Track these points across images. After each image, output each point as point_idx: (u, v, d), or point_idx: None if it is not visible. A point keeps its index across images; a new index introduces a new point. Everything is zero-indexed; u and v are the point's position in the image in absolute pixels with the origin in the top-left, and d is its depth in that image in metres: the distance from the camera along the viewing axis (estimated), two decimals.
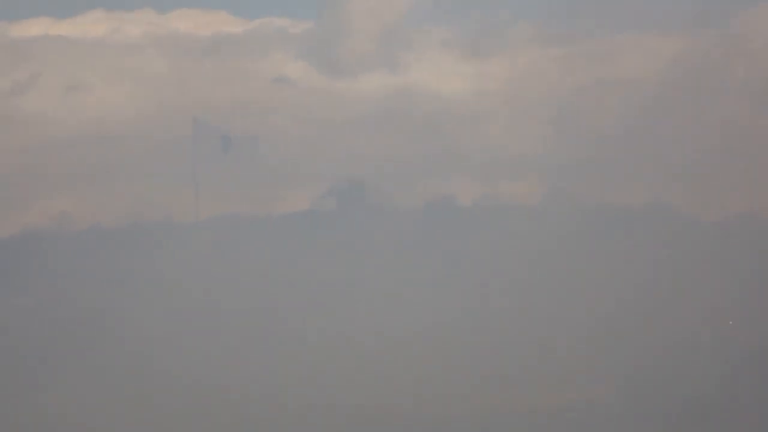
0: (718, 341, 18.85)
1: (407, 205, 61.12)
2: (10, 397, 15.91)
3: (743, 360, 17.79)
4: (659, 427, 15.55)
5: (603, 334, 17.76)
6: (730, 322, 19.21)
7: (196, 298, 21.57)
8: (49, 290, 20.74)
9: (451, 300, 23.37)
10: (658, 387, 16.69)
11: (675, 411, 16.30)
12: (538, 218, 48.07)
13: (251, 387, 15.35)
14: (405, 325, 17.18)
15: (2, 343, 20.29)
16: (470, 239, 48.34)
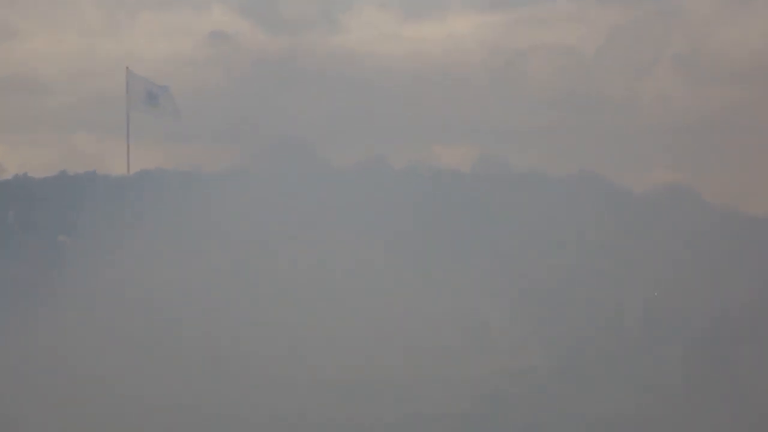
0: (647, 311, 18.98)
1: (339, 166, 61.16)
2: None
3: (675, 326, 17.96)
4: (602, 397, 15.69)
5: (532, 303, 17.73)
6: (656, 293, 19.34)
7: (121, 251, 21.03)
8: None
9: (378, 265, 23.25)
10: (596, 356, 16.72)
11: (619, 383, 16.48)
12: (469, 184, 48.34)
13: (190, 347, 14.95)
14: (328, 293, 16.81)
15: None
16: (400, 202, 48.41)
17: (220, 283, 16.94)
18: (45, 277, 14.86)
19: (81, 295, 14.65)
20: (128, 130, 24.88)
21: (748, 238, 23.90)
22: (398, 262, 23.20)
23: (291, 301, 15.80)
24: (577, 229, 31.64)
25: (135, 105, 25.17)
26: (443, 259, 23.31)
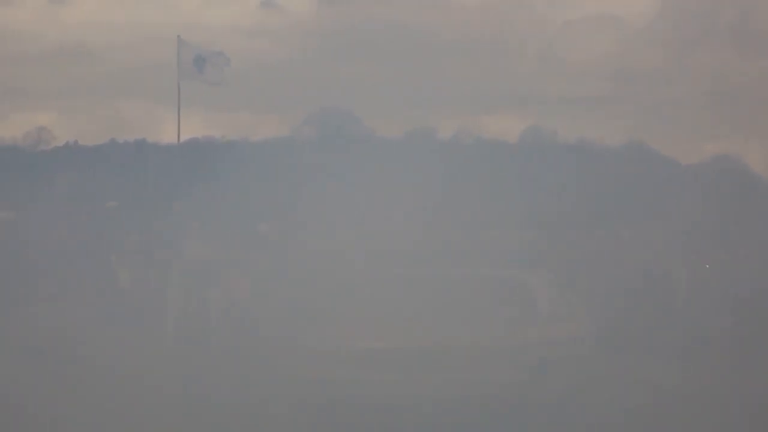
0: (693, 283, 18.70)
1: (385, 135, 61.11)
2: None
3: (716, 303, 17.65)
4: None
5: (578, 273, 17.55)
6: (707, 266, 19.00)
7: (171, 221, 21.14)
8: (27, 204, 20.26)
9: (426, 233, 23.19)
10: (642, 327, 16.51)
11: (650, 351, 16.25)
12: (517, 155, 47.99)
13: (236, 322, 15.07)
14: (376, 258, 16.78)
15: None
16: (447, 172, 48.25)
17: (265, 250, 16.88)
18: (96, 242, 14.85)
19: (131, 261, 14.63)
20: (179, 99, 24.88)
21: None
22: (443, 231, 23.07)
23: (334, 269, 15.73)
24: (625, 200, 31.31)
25: (185, 73, 25.14)
26: (489, 229, 23.15)
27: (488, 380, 10.89)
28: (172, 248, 14.83)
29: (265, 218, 24.94)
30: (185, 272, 14.07)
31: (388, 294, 12.87)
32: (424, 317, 12.24)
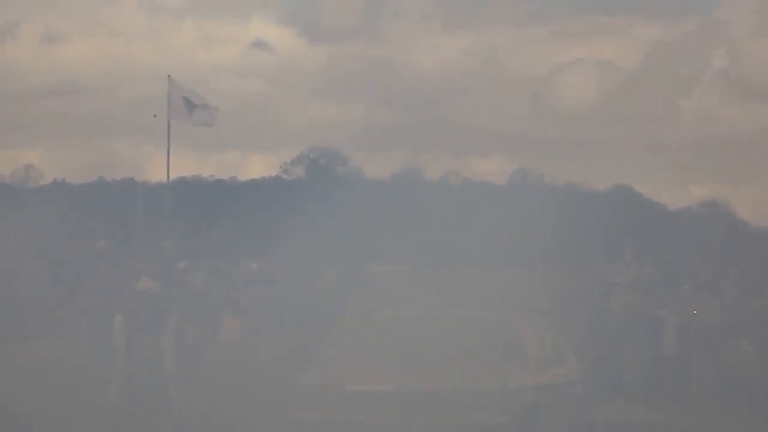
0: (682, 328, 18.49)
1: (374, 176, 61.25)
2: None
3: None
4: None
5: (567, 316, 17.35)
6: (694, 311, 18.83)
7: (159, 258, 20.94)
8: (12, 241, 20.00)
9: (410, 275, 23.07)
10: (633, 371, 16.29)
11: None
12: (504, 196, 48.08)
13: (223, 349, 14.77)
14: (364, 300, 16.53)
15: None
16: (434, 213, 48.25)
17: (254, 289, 16.73)
18: (86, 282, 14.73)
19: (121, 300, 14.45)
20: (169, 138, 24.82)
21: None
22: (431, 273, 22.93)
23: (321, 309, 15.55)
24: (612, 243, 31.27)
25: (175, 113, 25.12)
26: (477, 271, 23.01)
27: (477, 424, 10.70)
28: (161, 286, 14.66)
29: (254, 257, 24.76)
30: (174, 310, 13.89)
31: (377, 336, 12.69)
32: (412, 360, 12.06)
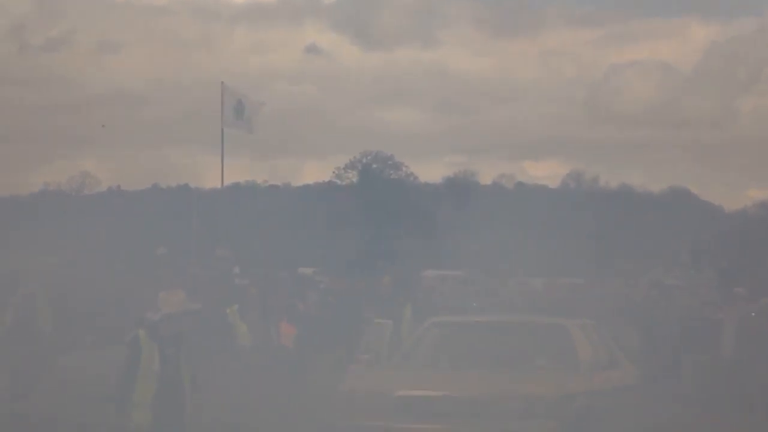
0: (740, 331, 18.17)
1: (427, 180, 61.18)
2: (31, 356, 15.34)
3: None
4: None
5: (619, 319, 17.10)
6: (753, 314, 18.50)
7: (214, 264, 21.12)
8: (70, 250, 20.20)
9: (466, 279, 22.95)
10: (690, 372, 16.07)
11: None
12: (558, 200, 47.65)
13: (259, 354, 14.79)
14: (415, 304, 16.52)
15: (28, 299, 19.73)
16: (487, 217, 48.08)
17: (309, 295, 16.76)
18: (146, 290, 14.80)
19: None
20: (223, 145, 24.96)
21: None
22: (484, 278, 22.85)
23: (375, 314, 15.53)
24: (669, 246, 30.85)
25: (229, 120, 25.24)
26: (529, 275, 22.87)
27: (530, 430, 10.60)
28: (215, 293, 14.73)
29: (307, 262, 24.81)
30: (228, 316, 13.95)
31: (427, 341, 12.63)
32: (463, 365, 11.98)
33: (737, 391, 16.87)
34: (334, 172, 63.66)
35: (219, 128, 24.56)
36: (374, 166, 61.37)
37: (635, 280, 22.78)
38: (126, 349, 9.19)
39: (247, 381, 13.63)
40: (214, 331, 13.59)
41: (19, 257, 15.66)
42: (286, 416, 13.31)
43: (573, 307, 16.29)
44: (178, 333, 9.35)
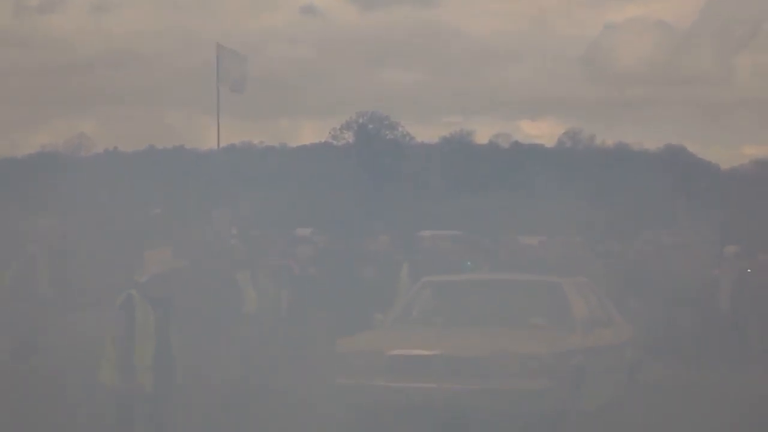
0: (735, 287, 18.22)
1: (423, 141, 60.96)
2: (30, 315, 15.40)
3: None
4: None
5: (615, 278, 17.17)
6: (748, 270, 18.51)
7: (211, 224, 21.11)
8: (68, 210, 20.25)
9: (463, 237, 22.96)
10: (683, 332, 16.13)
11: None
12: (553, 159, 47.57)
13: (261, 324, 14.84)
14: (412, 263, 16.62)
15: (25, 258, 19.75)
16: (485, 176, 48.10)
17: (306, 255, 16.79)
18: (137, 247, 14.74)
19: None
20: (218, 106, 24.84)
21: None
22: (478, 235, 22.87)
23: (372, 273, 15.55)
24: (663, 203, 30.77)
25: (224, 80, 25.11)
26: (525, 235, 22.89)
27: (524, 389, 10.66)
28: (210, 254, 14.75)
29: (304, 223, 24.81)
30: (224, 278, 13.98)
31: (420, 300, 12.67)
32: (457, 323, 12.03)
33: (734, 345, 16.97)
34: (330, 133, 63.59)
35: (215, 89, 24.47)
36: (370, 126, 61.23)
37: (631, 238, 22.82)
38: (119, 311, 9.18)
39: (245, 342, 13.69)
40: (215, 293, 13.62)
41: (19, 218, 15.69)
42: (281, 376, 13.39)
43: (568, 266, 16.32)
44: (168, 293, 9.34)
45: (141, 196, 23.32)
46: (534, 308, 12.92)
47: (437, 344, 11.79)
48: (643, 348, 14.55)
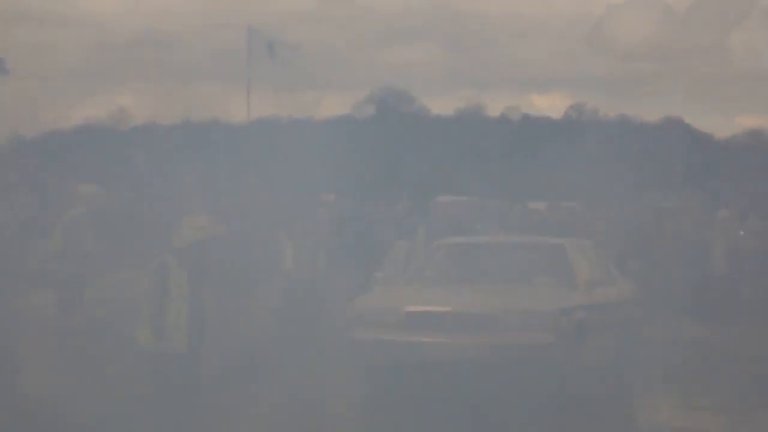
0: (730, 250, 18.03)
1: (439, 113, 61.10)
2: (76, 274, 15.33)
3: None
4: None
5: (617, 241, 17.04)
6: (741, 233, 18.36)
7: (242, 193, 21.13)
8: (112, 179, 20.32)
9: (474, 203, 22.91)
10: (682, 291, 16.02)
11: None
12: (560, 130, 47.45)
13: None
14: (427, 228, 16.53)
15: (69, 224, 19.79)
16: (497, 146, 47.98)
17: (329, 227, 16.73)
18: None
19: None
20: (248, 81, 24.83)
21: None
22: (491, 201, 22.73)
23: (390, 240, 15.46)
24: (661, 171, 30.60)
25: (255, 58, 25.09)
26: (533, 199, 22.76)
27: (528, 343, 10.60)
28: (241, 219, 14.69)
29: (328, 189, 24.69)
30: (255, 242, 13.92)
31: (434, 261, 12.60)
32: (467, 282, 11.95)
33: (728, 303, 16.87)
34: (352, 106, 63.63)
35: (245, 67, 24.46)
36: (390, 100, 61.16)
37: (631, 203, 22.65)
38: (153, 274, 9.09)
39: (280, 297, 13.64)
40: (252, 255, 13.58)
41: (65, 185, 15.73)
42: (300, 333, 13.36)
43: (573, 229, 16.21)
44: (205, 258, 9.25)
45: (177, 166, 23.28)
46: (539, 268, 12.85)
47: (449, 301, 11.76)
48: (643, 305, 14.45)
